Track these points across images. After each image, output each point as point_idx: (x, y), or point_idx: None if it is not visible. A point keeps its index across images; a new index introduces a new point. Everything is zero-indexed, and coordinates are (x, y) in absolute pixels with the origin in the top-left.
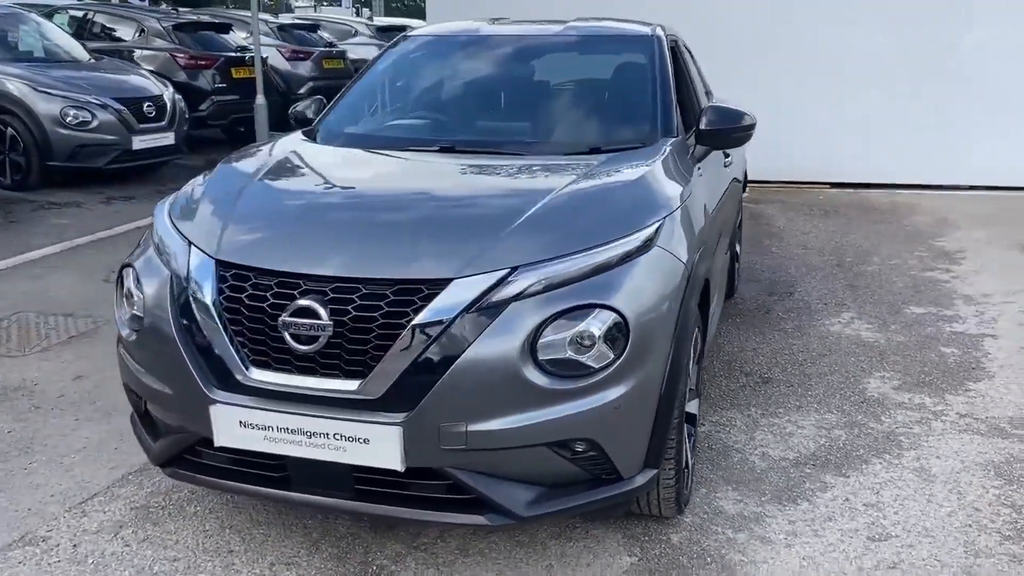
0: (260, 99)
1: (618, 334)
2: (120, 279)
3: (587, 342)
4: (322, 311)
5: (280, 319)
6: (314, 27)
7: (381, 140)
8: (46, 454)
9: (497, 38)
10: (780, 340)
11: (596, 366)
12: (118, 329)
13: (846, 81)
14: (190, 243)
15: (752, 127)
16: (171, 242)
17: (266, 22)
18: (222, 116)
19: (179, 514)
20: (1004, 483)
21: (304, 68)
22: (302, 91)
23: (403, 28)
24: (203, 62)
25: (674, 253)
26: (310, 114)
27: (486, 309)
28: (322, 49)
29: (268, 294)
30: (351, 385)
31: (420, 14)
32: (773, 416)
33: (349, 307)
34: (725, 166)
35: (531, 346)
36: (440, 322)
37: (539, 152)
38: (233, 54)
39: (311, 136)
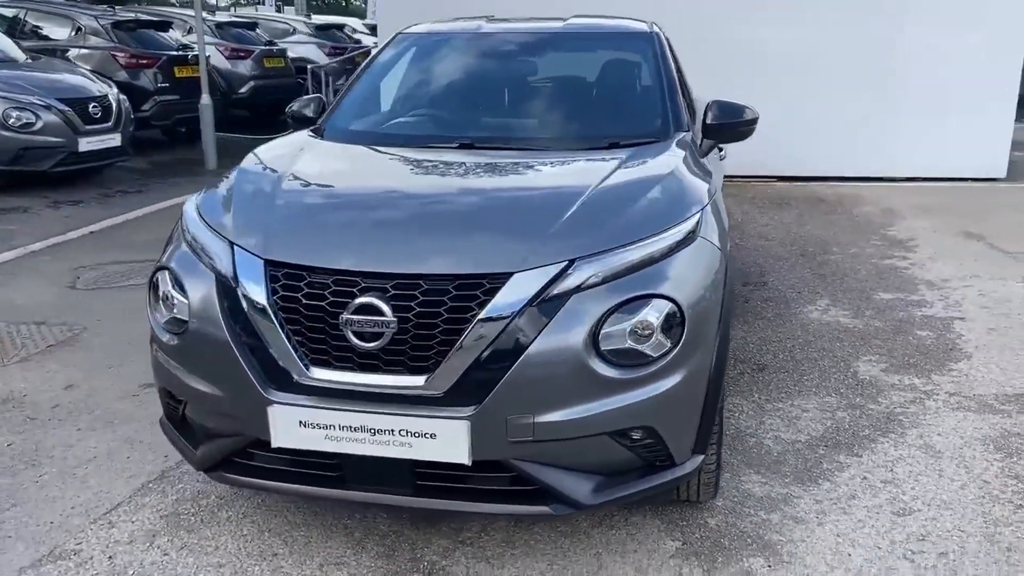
0: (206, 98)
1: (674, 323)
2: (153, 282)
3: (646, 332)
4: (386, 308)
5: (341, 317)
6: (252, 25)
7: (397, 138)
8: (55, 466)
9: (500, 35)
10: (765, 328)
11: (654, 355)
12: (154, 333)
13: (792, 79)
14: (232, 243)
15: (755, 121)
16: (210, 243)
17: (204, 20)
18: (166, 116)
19: (213, 520)
20: (1005, 456)
21: (244, 67)
22: (243, 90)
23: (342, 27)
24: (145, 61)
25: (713, 242)
26: (309, 113)
27: (549, 301)
28: (262, 47)
29: (326, 292)
30: (417, 381)
31: (342, 12)
32: (777, 401)
33: (412, 303)
34: (720, 159)
35: (594, 337)
36: (505, 316)
37: (559, 148)
38: (175, 52)
39: (319, 134)
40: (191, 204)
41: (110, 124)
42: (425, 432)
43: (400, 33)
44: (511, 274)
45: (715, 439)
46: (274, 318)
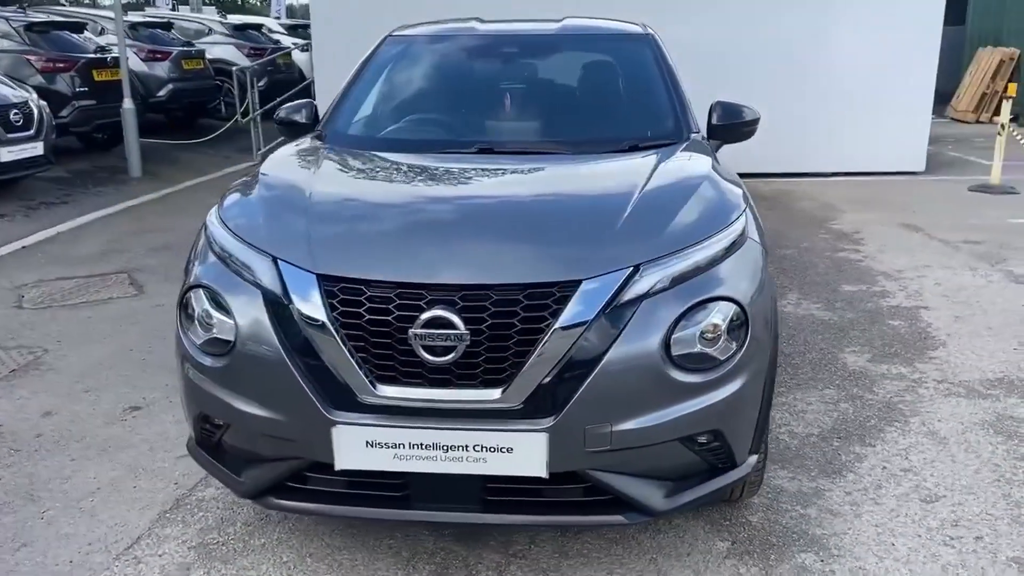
0: (128, 103)
1: (739, 324)
2: (185, 302)
3: (713, 335)
4: (457, 320)
5: (410, 331)
6: (168, 25)
7: (412, 143)
8: (57, 500)
9: (498, 37)
10: None
11: (722, 358)
12: (186, 356)
13: (718, 78)
14: (274, 258)
15: (757, 121)
16: (249, 257)
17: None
18: (86, 122)
19: (247, 549)
20: (1006, 439)
21: (162, 69)
22: (161, 94)
23: (259, 27)
24: (62, 65)
25: (758, 241)
26: (301, 119)
27: (620, 308)
28: (180, 49)
29: (391, 307)
30: (493, 394)
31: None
32: (778, 396)
33: (484, 315)
34: None
35: (666, 342)
36: (580, 324)
37: (580, 151)
38: (94, 55)
39: (323, 141)
40: (214, 217)
41: (31, 132)
42: (501, 446)
43: (391, 35)
44: (580, 281)
45: (764, 438)
46: (336, 335)
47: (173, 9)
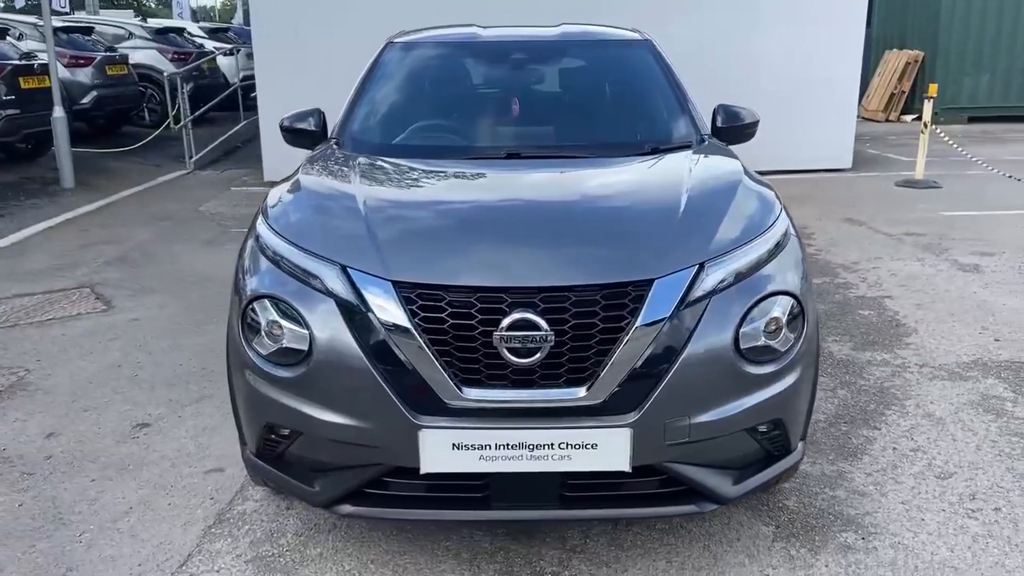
0: (59, 111)
1: (796, 317)
2: (248, 312)
3: (776, 328)
4: (542, 322)
5: (495, 334)
6: (88, 30)
7: (442, 150)
8: (90, 522)
9: (502, 43)
10: None
11: (783, 349)
12: (250, 367)
13: None
14: (343, 266)
15: (757, 123)
16: (313, 266)
17: (35, 25)
18: (13, 132)
19: (305, 559)
20: (996, 417)
21: (85, 75)
22: (85, 101)
23: (181, 31)
24: None
25: (798, 237)
26: (310, 127)
27: (693, 304)
28: (104, 54)
29: (473, 311)
30: (578, 392)
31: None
32: None
33: (566, 315)
34: None
35: (735, 337)
36: (659, 321)
37: (609, 154)
38: (19, 62)
39: (340, 147)
40: (263, 227)
41: None
42: (586, 443)
43: (392, 41)
44: (652, 280)
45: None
46: (421, 340)
47: (70, 13)
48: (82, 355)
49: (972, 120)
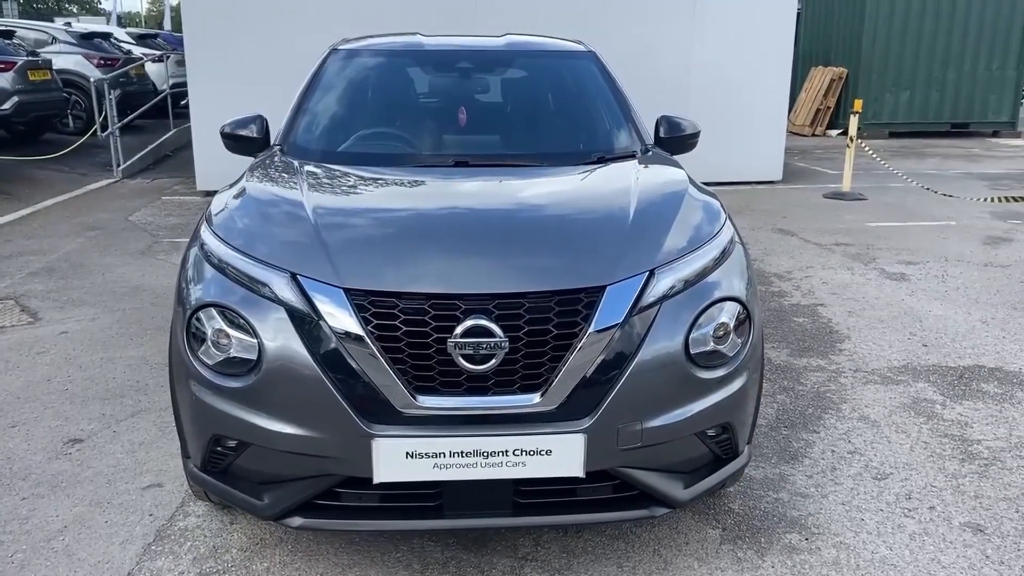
0: None
1: (743, 322)
2: (193, 322)
3: (723, 332)
4: (496, 328)
5: (449, 341)
6: (9, 33)
7: (388, 157)
8: (23, 541)
9: (449, 52)
10: None
11: (731, 354)
12: (198, 377)
13: None
14: (292, 273)
15: (698, 134)
16: (261, 274)
17: None
18: None
19: (250, 575)
20: (927, 419)
21: (5, 80)
22: (6, 107)
23: (107, 36)
24: None
25: (743, 244)
26: (252, 134)
27: (644, 310)
28: (26, 59)
29: (427, 318)
30: (533, 398)
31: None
32: None
33: (520, 322)
34: None
35: (685, 342)
36: (611, 327)
37: (555, 163)
38: None
39: (284, 154)
40: (208, 234)
41: None
42: (541, 449)
43: (336, 48)
44: (604, 287)
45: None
46: (375, 348)
47: None
48: (7, 369)
49: (893, 135)
